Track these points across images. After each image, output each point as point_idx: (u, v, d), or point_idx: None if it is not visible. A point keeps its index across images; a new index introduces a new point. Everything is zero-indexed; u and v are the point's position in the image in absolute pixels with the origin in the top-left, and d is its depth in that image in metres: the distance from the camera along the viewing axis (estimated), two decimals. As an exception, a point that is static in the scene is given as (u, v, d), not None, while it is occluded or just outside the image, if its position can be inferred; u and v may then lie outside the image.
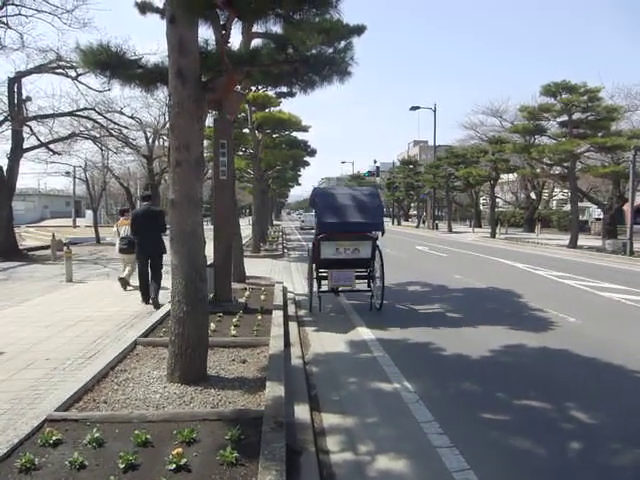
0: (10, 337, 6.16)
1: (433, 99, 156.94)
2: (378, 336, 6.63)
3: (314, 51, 5.29)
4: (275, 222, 51.55)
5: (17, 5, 16.00)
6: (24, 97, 17.46)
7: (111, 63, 5.50)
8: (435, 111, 38.12)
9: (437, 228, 39.24)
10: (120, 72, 5.64)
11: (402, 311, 8.24)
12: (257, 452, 3.03)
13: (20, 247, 17.39)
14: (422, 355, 5.90)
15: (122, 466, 2.92)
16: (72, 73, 17.57)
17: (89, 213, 39.40)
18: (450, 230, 35.91)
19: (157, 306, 7.83)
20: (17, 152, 16.95)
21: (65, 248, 11.29)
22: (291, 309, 8.08)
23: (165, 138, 28.85)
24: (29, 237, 23.53)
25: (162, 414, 3.69)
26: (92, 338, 6.11)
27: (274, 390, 4.03)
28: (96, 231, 23.12)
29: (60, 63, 17.25)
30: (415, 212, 54.42)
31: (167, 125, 27.83)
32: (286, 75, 5.64)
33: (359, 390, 4.75)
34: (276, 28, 5.32)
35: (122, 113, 20.12)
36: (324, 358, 5.75)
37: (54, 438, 3.27)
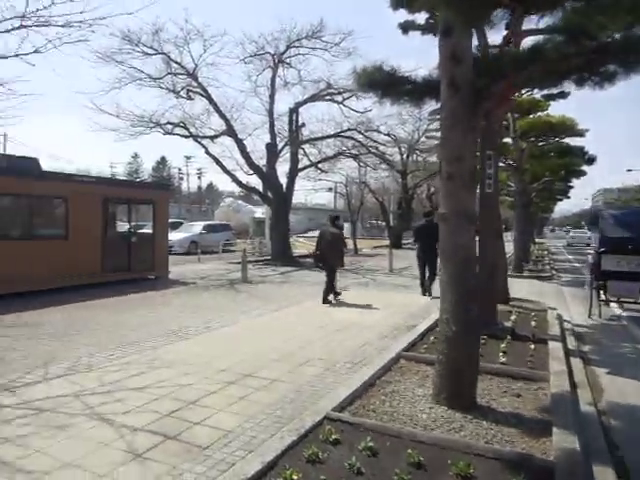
0: (291, 333, 7.12)
1: None
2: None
3: (617, 36, 4.54)
4: (537, 239, 47.40)
5: (297, 47, 18.93)
6: (300, 124, 20.39)
7: (383, 82, 5.88)
8: None
9: None
10: (391, 90, 5.97)
11: None
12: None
13: (293, 254, 20.25)
14: None
15: (399, 483, 2.93)
16: (338, 98, 19.77)
17: (346, 226, 43.56)
18: None
19: (429, 294, 10.52)
20: (293, 172, 19.88)
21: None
22: (570, 342, 7.12)
23: (419, 153, 29.82)
24: (299, 246, 27.22)
25: (433, 437, 3.62)
26: (357, 344, 6.55)
27: (564, 440, 3.50)
28: (354, 242, 25.27)
29: (329, 91, 19.59)
30: None
31: (421, 140, 28.75)
32: (574, 71, 5.00)
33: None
34: (553, 19, 4.81)
35: (379, 131, 21.57)
36: (626, 410, 4.77)
37: (333, 437, 3.53)
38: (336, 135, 20.88)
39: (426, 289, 10.73)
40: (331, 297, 10.05)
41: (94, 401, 4.30)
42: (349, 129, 20.56)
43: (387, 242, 29.50)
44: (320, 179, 27.56)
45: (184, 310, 8.73)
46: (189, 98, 18.24)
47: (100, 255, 11.23)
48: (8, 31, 7.52)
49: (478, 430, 3.83)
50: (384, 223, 34.91)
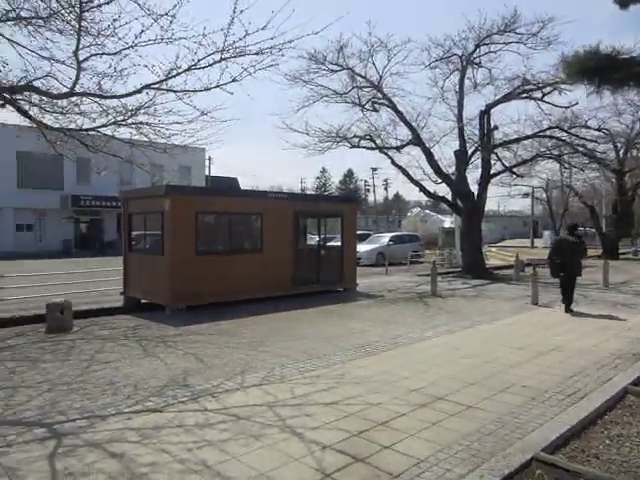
0: (487, 354, 6.55)
1: None
2: None
3: None
4: None
5: (487, 44, 17.85)
6: (492, 127, 19.11)
7: (601, 68, 5.07)
8: None
9: None
10: (611, 76, 5.11)
11: None
12: None
13: (486, 266, 19.02)
14: None
15: None
16: (537, 94, 18.03)
17: (547, 234, 39.49)
18: None
19: None
20: (485, 178, 18.73)
21: (532, 270, 11.42)
22: None
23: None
24: (491, 256, 25.54)
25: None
26: (568, 373, 5.68)
27: None
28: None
29: (525, 87, 17.99)
30: None
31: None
32: None
33: None
34: None
35: (587, 127, 19.05)
36: None
37: (545, 485, 3.05)
38: (534, 135, 19.04)
39: None
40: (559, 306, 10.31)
41: (286, 413, 4.46)
42: (550, 127, 18.58)
43: (599, 252, 25.80)
44: (515, 184, 25.55)
45: (372, 324, 8.77)
46: (374, 110, 18.63)
47: (291, 268, 11.93)
48: (210, 65, 8.43)
49: None
50: (594, 230, 30.59)
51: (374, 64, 17.84)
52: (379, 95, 18.13)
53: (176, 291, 9.89)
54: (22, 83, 8.29)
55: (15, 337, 7.85)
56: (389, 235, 26.57)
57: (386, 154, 18.66)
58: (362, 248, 21.70)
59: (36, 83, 8.40)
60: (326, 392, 5.02)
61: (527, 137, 19.19)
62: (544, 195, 35.64)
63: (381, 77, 17.83)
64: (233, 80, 8.58)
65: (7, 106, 8.54)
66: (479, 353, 6.63)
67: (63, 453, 3.69)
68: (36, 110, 8.99)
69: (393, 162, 18.63)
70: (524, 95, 18.44)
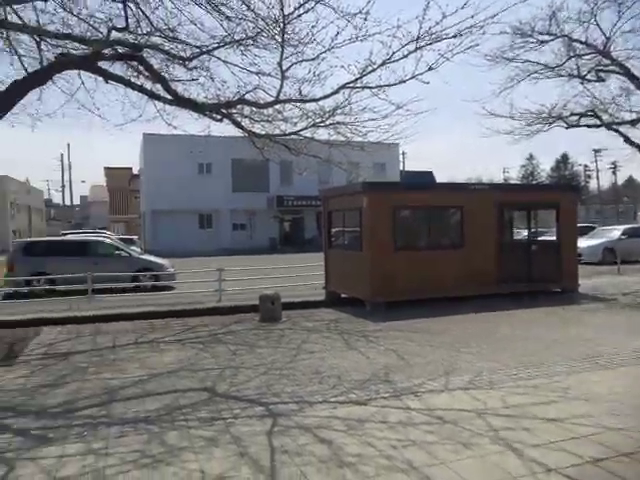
0: None
1: None
2: None
3: None
4: None
5: None
6: None
7: None
8: None
9: None
10: None
11: None
12: None
13: None
14: None
15: None
16: None
17: None
18: None
19: None
20: None
21: None
22: None
23: None
24: None
25: None
26: None
27: None
28: None
29: None
30: None
31: None
32: None
33: None
34: None
35: None
36: None
37: None
38: None
39: None
40: None
41: (497, 423, 4.13)
42: None
43: None
44: None
45: (602, 332, 7.66)
46: (599, 80, 16.25)
47: (495, 264, 11.21)
48: (405, 56, 8.43)
49: None
50: None
51: (598, 25, 15.50)
52: (605, 61, 15.75)
53: (375, 286, 10.10)
54: (235, 98, 9.43)
55: (235, 324, 9.06)
56: (621, 227, 22.97)
57: (617, 131, 16.12)
58: (583, 243, 19.21)
59: (246, 96, 9.48)
60: (546, 406, 4.51)
61: None
62: None
63: (608, 39, 15.41)
64: (429, 69, 8.52)
65: (224, 120, 9.86)
66: None
67: (279, 432, 4.08)
68: (247, 121, 10.19)
69: (627, 140, 15.98)
70: None
